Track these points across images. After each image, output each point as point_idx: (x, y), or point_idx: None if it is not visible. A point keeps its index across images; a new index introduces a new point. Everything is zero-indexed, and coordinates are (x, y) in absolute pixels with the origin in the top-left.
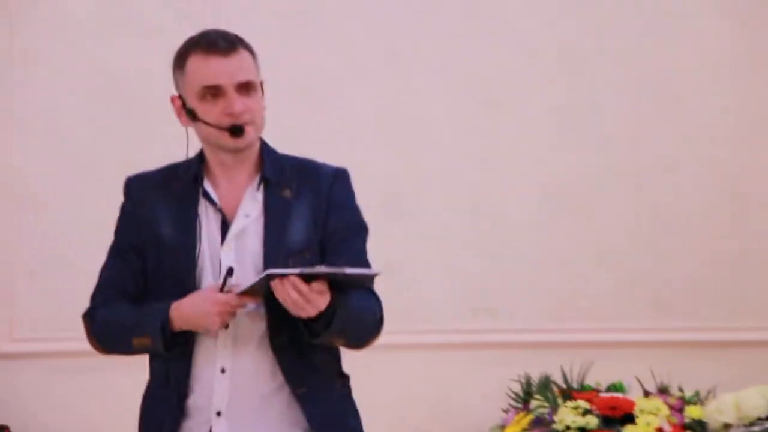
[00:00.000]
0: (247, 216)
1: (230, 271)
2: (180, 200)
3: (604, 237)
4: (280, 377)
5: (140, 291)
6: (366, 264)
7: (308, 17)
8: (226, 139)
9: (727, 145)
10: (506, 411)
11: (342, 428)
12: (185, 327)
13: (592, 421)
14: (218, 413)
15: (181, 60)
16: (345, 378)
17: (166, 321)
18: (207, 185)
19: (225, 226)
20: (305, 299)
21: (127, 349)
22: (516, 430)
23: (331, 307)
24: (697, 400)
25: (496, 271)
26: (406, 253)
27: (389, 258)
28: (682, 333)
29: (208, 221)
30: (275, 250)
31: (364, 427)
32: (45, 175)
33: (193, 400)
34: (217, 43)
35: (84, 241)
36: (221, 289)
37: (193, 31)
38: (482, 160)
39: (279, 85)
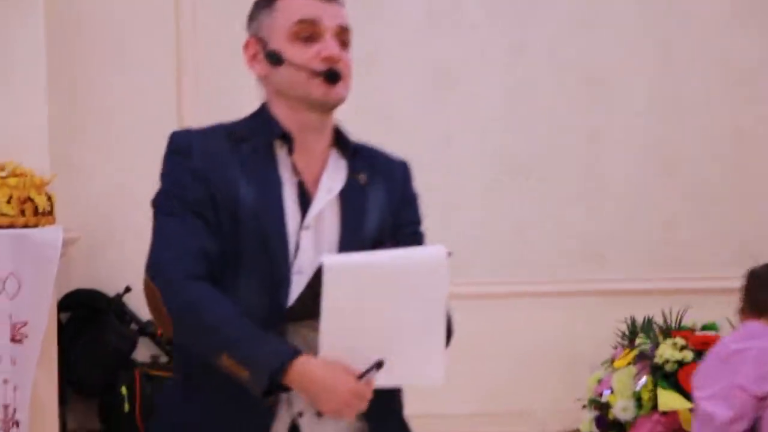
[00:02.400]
0: (329, 191)
1: (380, 365)
2: (256, 162)
3: (690, 197)
4: None
5: (219, 251)
6: None
7: None
8: (317, 88)
9: None
10: (615, 348)
11: None
12: (299, 390)
13: (688, 355)
14: (300, 414)
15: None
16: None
17: (281, 371)
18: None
19: (302, 200)
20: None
21: (202, 353)
22: (623, 363)
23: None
24: None
25: (604, 226)
26: (532, 213)
27: (514, 218)
28: None
29: (287, 191)
30: (353, 239)
31: (494, 365)
32: None
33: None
34: None
35: None
36: (360, 376)
37: None
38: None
39: None
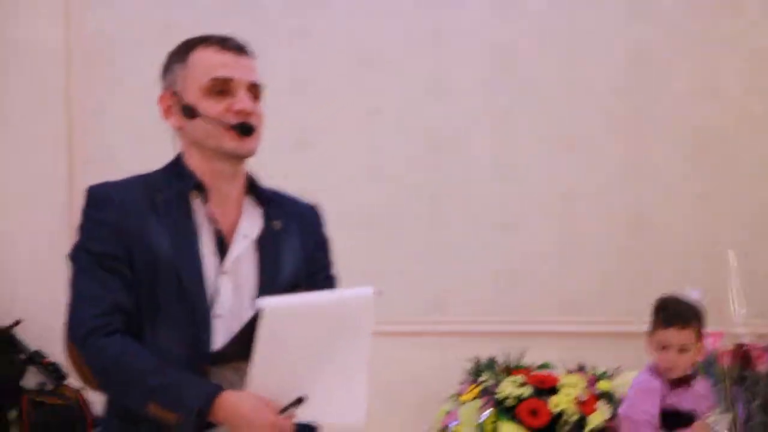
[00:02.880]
0: (246, 237)
1: (300, 401)
2: (171, 213)
3: (528, 253)
4: None
5: (134, 307)
6: None
7: None
8: (230, 140)
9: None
10: (462, 383)
11: None
12: (223, 424)
13: (526, 391)
14: None
15: (182, 53)
16: None
17: (207, 408)
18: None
19: (220, 246)
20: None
21: (132, 404)
22: (469, 398)
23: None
24: (606, 376)
25: (446, 277)
26: (393, 263)
27: (370, 268)
28: (594, 326)
29: (204, 239)
30: (271, 284)
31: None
32: None
33: None
34: (230, 40)
35: None
36: (281, 411)
37: None
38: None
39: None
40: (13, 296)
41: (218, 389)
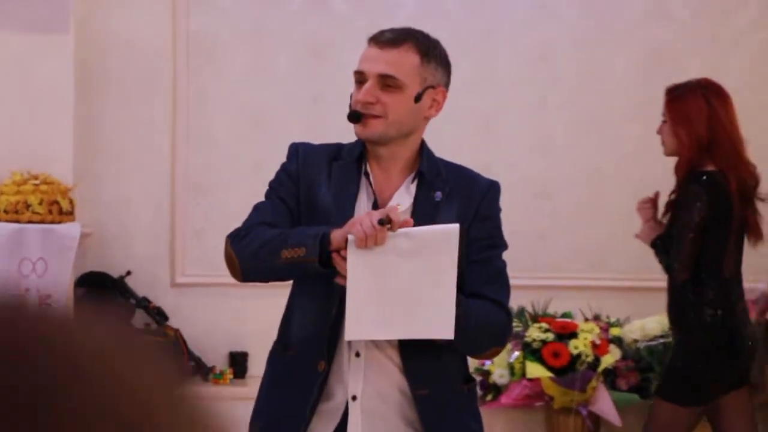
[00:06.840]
0: (398, 205)
1: (384, 222)
2: (341, 175)
3: (560, 214)
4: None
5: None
6: (502, 279)
7: None
8: (354, 126)
9: None
10: None
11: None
12: (338, 241)
13: (550, 336)
14: (353, 398)
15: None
16: (471, 382)
17: (327, 233)
18: (368, 168)
19: (375, 207)
20: None
21: (271, 264)
22: None
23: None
24: (618, 324)
25: None
26: None
27: None
28: (610, 281)
29: (363, 201)
30: None
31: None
32: (214, 171)
33: (331, 381)
34: (382, 34)
35: (233, 214)
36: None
37: None
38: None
39: None
40: (126, 251)
41: (329, 226)
